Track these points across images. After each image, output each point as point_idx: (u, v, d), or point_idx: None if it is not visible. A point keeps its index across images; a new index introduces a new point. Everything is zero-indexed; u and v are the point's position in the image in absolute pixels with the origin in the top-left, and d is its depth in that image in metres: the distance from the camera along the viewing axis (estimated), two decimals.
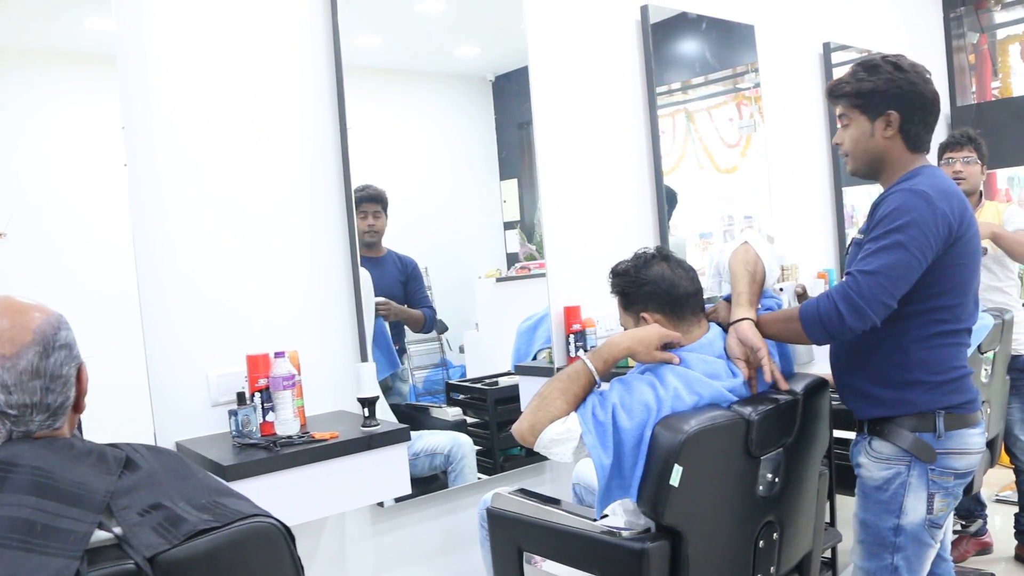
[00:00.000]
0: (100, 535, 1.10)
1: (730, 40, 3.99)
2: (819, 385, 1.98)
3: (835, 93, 2.03)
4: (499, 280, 3.22)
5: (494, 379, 3.23)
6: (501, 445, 3.14)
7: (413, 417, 2.97)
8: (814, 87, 4.32)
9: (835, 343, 2.02)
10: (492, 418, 3.17)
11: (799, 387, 1.92)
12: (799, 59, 4.27)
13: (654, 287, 1.97)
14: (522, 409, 3.09)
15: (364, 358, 2.56)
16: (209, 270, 2.31)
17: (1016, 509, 3.49)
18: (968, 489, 2.83)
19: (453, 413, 3.09)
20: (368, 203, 2.78)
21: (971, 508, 3.50)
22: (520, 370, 3.16)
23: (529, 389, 3.10)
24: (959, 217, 1.86)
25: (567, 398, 1.87)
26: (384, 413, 2.84)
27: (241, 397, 2.19)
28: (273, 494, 1.98)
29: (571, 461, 1.89)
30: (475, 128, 3.18)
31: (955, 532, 3.56)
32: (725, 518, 1.78)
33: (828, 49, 4.38)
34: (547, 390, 1.90)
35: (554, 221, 3.13)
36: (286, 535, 1.21)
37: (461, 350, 3.16)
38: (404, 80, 3.04)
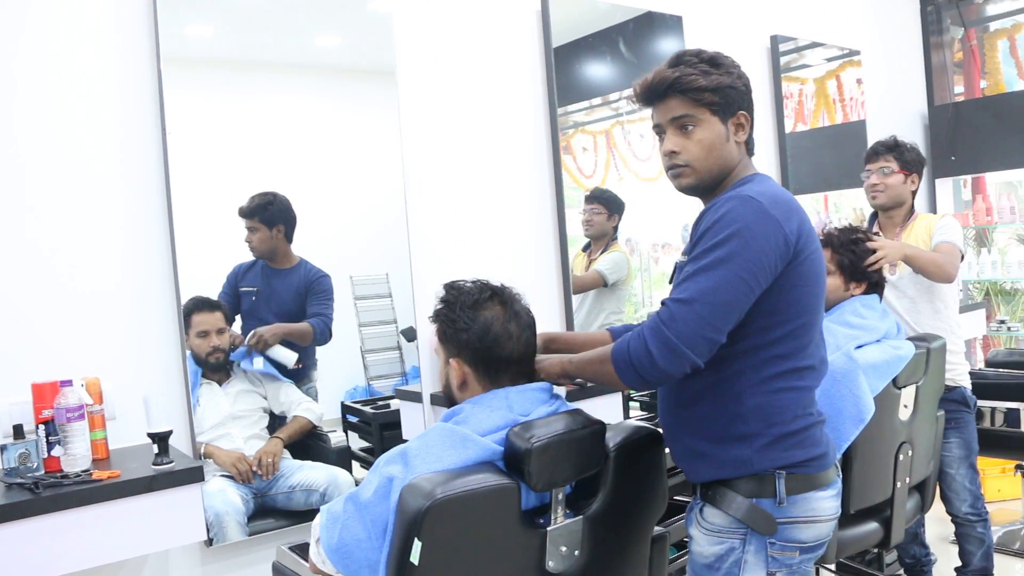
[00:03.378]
0: None
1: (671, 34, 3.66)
2: (643, 440, 1.66)
3: (680, 87, 1.61)
4: None
5: (386, 401, 2.98)
6: None
7: (304, 443, 2.75)
8: (760, 86, 3.89)
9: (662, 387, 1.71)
10: (378, 444, 2.91)
11: (612, 443, 1.61)
12: (741, 55, 3.83)
13: (472, 338, 1.61)
14: (404, 438, 2.86)
15: (187, 384, 2.30)
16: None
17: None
18: (885, 542, 2.53)
19: (337, 441, 2.86)
20: (244, 218, 2.60)
21: (916, 554, 3.14)
22: (400, 394, 2.89)
23: (409, 415, 2.85)
24: (796, 229, 1.54)
25: None
26: None
27: (18, 430, 1.98)
28: (33, 541, 1.78)
29: None
30: None
31: None
32: None
33: (776, 44, 3.97)
34: None
35: (423, 230, 2.85)
36: None
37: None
38: (366, 79, 2.91)
